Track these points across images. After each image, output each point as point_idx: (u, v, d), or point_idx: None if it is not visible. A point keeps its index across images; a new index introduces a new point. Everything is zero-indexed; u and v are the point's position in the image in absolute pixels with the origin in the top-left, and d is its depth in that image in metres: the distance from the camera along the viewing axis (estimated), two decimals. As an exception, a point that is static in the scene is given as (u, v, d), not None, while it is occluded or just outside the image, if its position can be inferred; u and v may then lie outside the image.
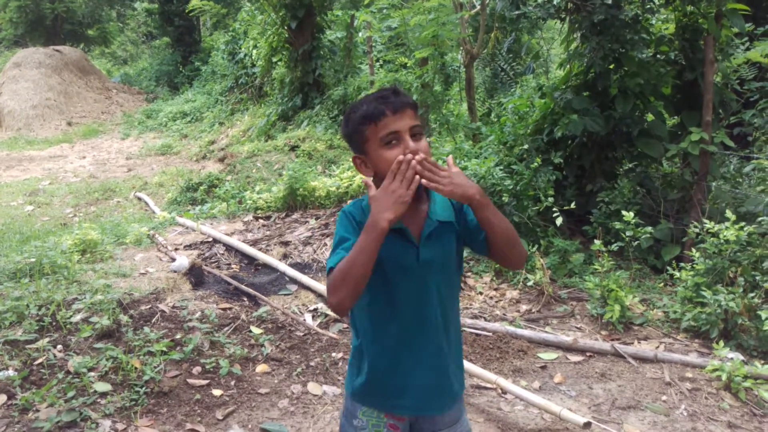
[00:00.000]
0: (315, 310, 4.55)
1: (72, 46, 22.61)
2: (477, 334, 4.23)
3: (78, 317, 3.97)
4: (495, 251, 1.79)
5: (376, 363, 1.83)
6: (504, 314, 4.62)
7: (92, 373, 3.42)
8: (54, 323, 3.88)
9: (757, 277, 4.25)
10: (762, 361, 3.71)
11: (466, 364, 3.64)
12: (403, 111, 1.71)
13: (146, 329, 3.89)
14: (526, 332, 4.25)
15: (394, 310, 1.79)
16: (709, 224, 4.40)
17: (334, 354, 3.96)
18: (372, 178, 1.75)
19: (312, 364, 3.85)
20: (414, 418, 1.88)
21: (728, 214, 4.33)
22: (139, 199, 9.14)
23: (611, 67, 5.85)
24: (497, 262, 1.88)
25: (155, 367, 3.53)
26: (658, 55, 6.03)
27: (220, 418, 3.26)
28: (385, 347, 1.82)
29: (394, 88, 1.76)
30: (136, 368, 3.47)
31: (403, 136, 1.70)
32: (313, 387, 3.59)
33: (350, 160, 7.97)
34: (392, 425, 1.86)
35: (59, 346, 3.65)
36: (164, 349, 3.67)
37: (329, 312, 4.48)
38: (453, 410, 1.90)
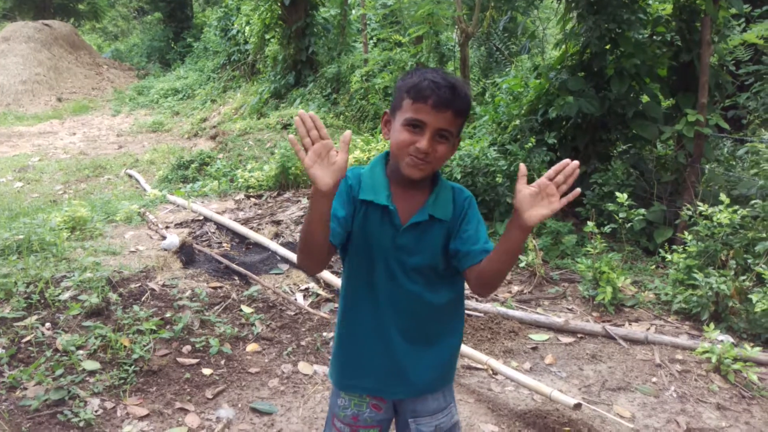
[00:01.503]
0: (306, 289, 4.52)
1: (62, 20, 22.32)
2: (468, 315, 4.22)
3: (67, 295, 3.93)
4: (483, 273, 1.68)
5: (342, 338, 1.84)
6: (495, 295, 4.62)
7: (81, 352, 3.39)
8: (42, 301, 3.84)
9: (749, 260, 4.26)
10: (752, 344, 3.72)
11: (458, 345, 3.64)
12: (443, 110, 1.62)
13: (136, 307, 3.86)
14: (518, 313, 4.25)
15: (367, 289, 1.77)
16: (702, 207, 4.39)
17: (324, 333, 3.95)
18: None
19: (302, 343, 3.84)
20: (397, 400, 1.86)
21: (722, 197, 4.32)
22: (130, 176, 9.06)
23: (607, 47, 5.80)
24: (471, 282, 1.73)
25: (144, 346, 3.50)
26: (655, 36, 5.99)
27: (210, 397, 3.25)
28: (352, 324, 1.81)
29: (453, 83, 1.63)
30: (125, 347, 3.45)
31: (426, 132, 1.63)
32: (303, 366, 3.58)
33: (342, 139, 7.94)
34: (374, 405, 1.85)
35: (47, 324, 3.61)
36: (154, 327, 3.65)
37: (320, 292, 4.47)
38: (435, 398, 1.86)
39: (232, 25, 15.34)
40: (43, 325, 3.60)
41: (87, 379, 3.21)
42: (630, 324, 4.24)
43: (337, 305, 4.29)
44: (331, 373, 1.91)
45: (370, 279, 1.76)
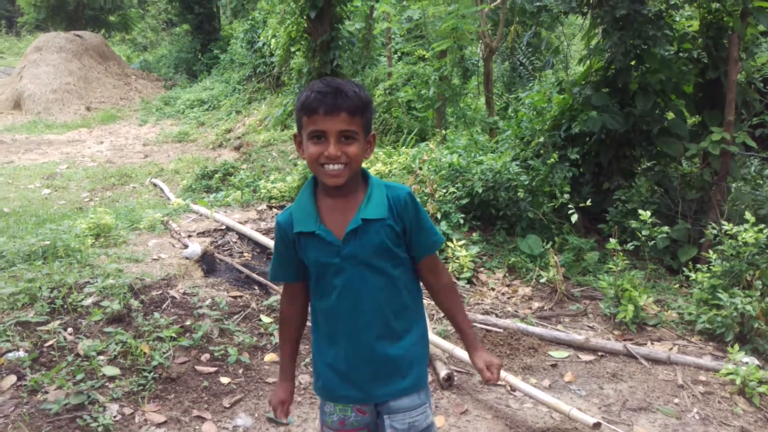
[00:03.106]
0: (325, 300, 4.53)
1: (93, 31, 22.76)
2: (488, 330, 4.19)
3: (89, 301, 3.98)
4: (433, 297, 2.02)
5: (315, 355, 1.96)
6: (516, 311, 4.58)
7: (101, 357, 3.43)
8: (65, 306, 3.90)
9: (776, 281, 4.18)
10: (778, 367, 3.64)
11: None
12: (335, 114, 1.72)
13: (156, 315, 3.89)
14: (538, 330, 4.21)
15: (327, 304, 1.86)
16: (727, 226, 4.33)
17: (343, 345, 3.94)
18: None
19: (321, 354, 3.83)
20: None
21: (747, 215, 4.25)
22: (155, 185, 9.18)
23: (632, 63, 5.76)
24: (420, 278, 1.98)
25: (164, 353, 3.53)
26: (681, 53, 5.94)
27: (227, 405, 3.26)
28: (322, 339, 1.91)
29: (338, 86, 1.75)
30: (145, 353, 3.48)
31: (329, 138, 1.73)
32: (320, 378, 3.58)
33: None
34: (359, 410, 1.92)
35: (70, 329, 3.66)
36: (173, 335, 3.67)
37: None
38: (411, 397, 1.91)
39: (258, 37, 15.51)
40: (65, 330, 3.65)
41: (107, 384, 3.24)
42: (652, 343, 4.18)
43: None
44: (315, 388, 1.99)
45: (322, 295, 1.87)
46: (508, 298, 4.78)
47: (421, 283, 1.98)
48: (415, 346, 1.93)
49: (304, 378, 3.57)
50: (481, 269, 5.11)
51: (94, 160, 11.21)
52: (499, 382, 3.55)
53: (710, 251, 4.53)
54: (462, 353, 3.66)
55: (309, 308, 1.97)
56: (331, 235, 1.81)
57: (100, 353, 3.46)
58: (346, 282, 1.82)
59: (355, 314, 1.84)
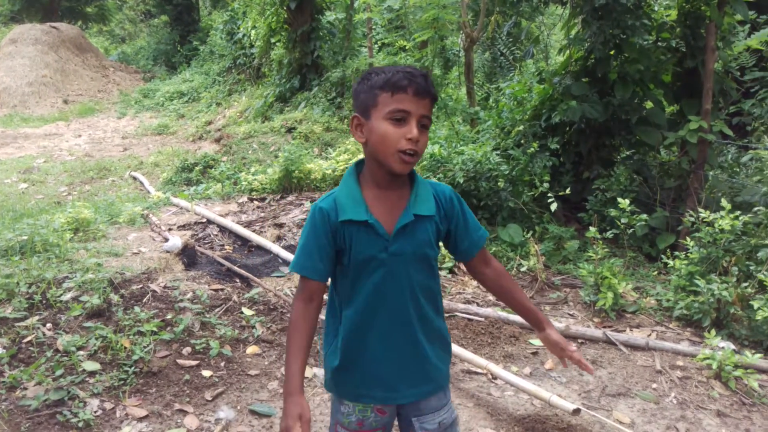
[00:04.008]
0: (307, 292, 4.52)
1: (69, 23, 22.43)
2: (469, 319, 4.22)
3: (68, 296, 3.94)
4: (493, 291, 2.01)
5: (348, 354, 1.80)
6: (497, 300, 4.61)
7: (81, 352, 3.40)
8: (44, 301, 3.86)
9: (751, 267, 4.24)
10: (753, 351, 3.70)
11: (457, 349, 3.64)
12: (423, 97, 1.67)
13: (137, 309, 3.87)
14: (519, 318, 4.23)
15: (365, 300, 1.76)
16: (704, 213, 4.38)
17: (325, 337, 3.94)
18: (363, 145, 1.76)
19: (303, 346, 3.83)
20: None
21: (724, 203, 4.31)
22: (134, 178, 9.10)
23: (611, 53, 5.80)
24: (472, 271, 1.98)
25: (145, 347, 3.51)
26: (659, 42, 5.98)
27: (209, 399, 3.25)
28: (358, 338, 1.79)
29: (425, 72, 1.71)
30: (125, 348, 3.46)
31: (411, 120, 1.66)
32: (303, 369, 3.58)
33: (347, 143, 7.96)
34: (379, 410, 1.84)
35: (48, 325, 3.62)
36: (154, 329, 3.65)
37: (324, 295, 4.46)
38: (437, 396, 1.87)
39: (238, 28, 15.40)
40: (44, 325, 3.61)
41: (87, 379, 3.22)
42: (631, 330, 4.23)
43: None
44: (331, 387, 1.88)
45: (374, 291, 1.76)
46: (490, 288, 4.80)
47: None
48: (446, 346, 1.91)
49: (286, 370, 3.57)
50: (463, 259, 5.12)
51: (72, 154, 11.07)
52: (480, 371, 3.59)
53: (688, 238, 4.59)
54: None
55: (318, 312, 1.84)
56: (382, 227, 1.73)
57: (79, 348, 3.43)
58: (388, 278, 1.74)
59: (394, 312, 1.77)
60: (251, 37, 14.47)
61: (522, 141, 6.05)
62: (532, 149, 5.57)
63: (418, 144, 1.67)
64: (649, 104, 5.97)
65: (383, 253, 1.73)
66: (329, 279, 1.81)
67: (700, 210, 4.49)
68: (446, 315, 4.13)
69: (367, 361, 1.79)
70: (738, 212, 4.30)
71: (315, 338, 3.87)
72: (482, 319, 4.22)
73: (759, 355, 3.66)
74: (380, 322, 1.77)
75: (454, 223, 1.83)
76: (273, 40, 12.88)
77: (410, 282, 1.77)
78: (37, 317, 3.67)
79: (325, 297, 1.88)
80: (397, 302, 1.77)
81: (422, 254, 1.78)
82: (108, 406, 3.08)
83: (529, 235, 5.21)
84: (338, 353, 1.81)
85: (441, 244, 1.88)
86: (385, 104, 1.67)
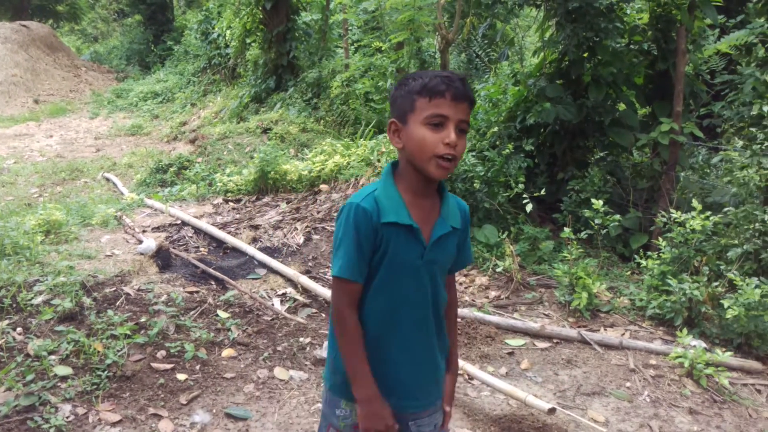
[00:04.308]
0: (283, 294, 4.51)
1: (40, 21, 22.06)
2: (446, 320, 4.23)
3: (39, 299, 3.88)
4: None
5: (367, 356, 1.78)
6: (473, 300, 4.64)
7: (53, 357, 3.34)
8: (14, 305, 3.79)
9: (722, 267, 4.32)
10: (723, 349, 3.77)
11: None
12: (461, 102, 1.67)
13: (110, 312, 3.81)
14: (495, 318, 4.27)
15: (393, 308, 1.76)
16: (676, 214, 4.45)
17: (301, 339, 3.93)
18: (399, 151, 1.75)
19: (279, 348, 3.82)
20: None
21: (695, 203, 4.38)
22: (107, 179, 8.97)
23: (585, 55, 5.86)
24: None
25: (118, 351, 3.46)
26: (632, 45, 6.06)
27: (184, 402, 3.22)
28: (379, 344, 1.77)
29: (463, 76, 1.70)
30: (98, 352, 3.41)
31: (449, 125, 1.66)
32: (279, 372, 3.56)
33: (323, 144, 7.93)
34: None
35: (19, 329, 3.56)
36: (128, 332, 3.61)
37: (298, 297, 4.45)
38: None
39: (213, 28, 15.27)
40: (14, 329, 3.55)
41: (58, 384, 3.17)
42: (605, 329, 4.28)
43: (313, 310, 4.30)
44: (342, 390, 1.82)
45: (400, 297, 1.75)
46: (465, 288, 4.83)
47: None
48: (447, 353, 1.94)
49: (263, 373, 3.55)
50: (439, 260, 5.13)
51: (43, 155, 10.89)
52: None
53: (660, 239, 4.66)
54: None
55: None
56: (421, 234, 1.73)
57: (51, 353, 3.37)
58: (418, 286, 1.75)
59: (418, 321, 1.78)
60: (226, 38, 14.37)
61: (497, 142, 6.09)
62: (507, 150, 5.61)
63: (456, 149, 1.66)
64: (621, 106, 6.05)
65: (419, 260, 1.73)
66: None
67: (671, 210, 4.56)
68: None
69: (388, 368, 1.78)
70: (708, 213, 4.37)
71: (291, 341, 3.86)
72: (458, 319, 4.23)
73: (729, 353, 3.73)
74: (404, 329, 1.77)
75: (461, 239, 1.86)
76: (248, 41, 12.81)
77: (434, 292, 1.79)
78: (6, 321, 3.60)
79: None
80: (422, 311, 1.78)
81: (446, 266, 1.82)
82: (80, 411, 3.03)
83: (504, 235, 5.25)
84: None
85: None
86: (423, 109, 1.66)
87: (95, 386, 3.20)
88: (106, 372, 3.30)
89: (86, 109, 15.76)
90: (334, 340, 1.82)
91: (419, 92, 1.67)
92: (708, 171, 6.37)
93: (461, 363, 3.55)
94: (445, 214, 1.77)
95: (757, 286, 3.81)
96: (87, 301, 3.90)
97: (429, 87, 1.65)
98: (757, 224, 4.35)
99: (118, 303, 4.01)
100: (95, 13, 28.72)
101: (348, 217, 1.70)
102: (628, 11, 6.21)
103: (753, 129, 5.81)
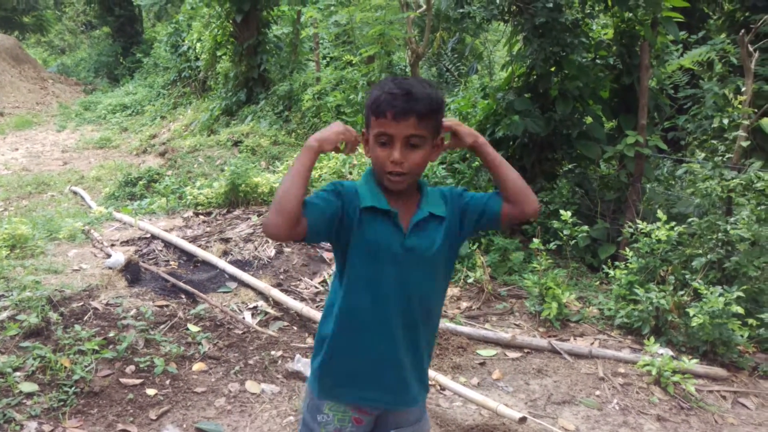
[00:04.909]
0: (255, 308, 4.48)
1: (5, 33, 21.69)
2: (418, 332, 4.24)
3: (4, 315, 3.80)
4: (510, 195, 1.77)
5: (346, 351, 1.80)
6: (444, 311, 4.66)
7: (18, 373, 3.28)
8: (-22, 321, 3.70)
9: (687, 276, 4.41)
10: (690, 357, 3.84)
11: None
12: (405, 118, 1.66)
13: (77, 327, 3.75)
14: (466, 329, 4.30)
15: (374, 297, 1.76)
16: (642, 224, 4.54)
17: (273, 352, 3.91)
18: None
19: (251, 362, 3.79)
20: (379, 411, 1.86)
21: (659, 214, 4.47)
22: (75, 193, 8.83)
23: (552, 69, 5.97)
24: (512, 214, 1.79)
25: (86, 367, 3.40)
26: (597, 60, 6.19)
27: (154, 418, 3.18)
28: (358, 335, 1.78)
29: (409, 88, 1.67)
30: (65, 367, 3.35)
31: (395, 143, 1.68)
32: (251, 385, 3.54)
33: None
34: (357, 419, 1.83)
35: (-17, 345, 3.48)
36: (96, 347, 3.55)
37: (269, 310, 4.43)
38: (419, 409, 1.90)
39: (183, 41, 15.19)
40: (-22, 346, 3.47)
41: (24, 401, 3.11)
42: (575, 339, 4.34)
43: (285, 324, 4.28)
44: (315, 386, 1.84)
45: (378, 288, 1.75)
46: (438, 300, 4.84)
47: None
48: (431, 355, 1.93)
49: (234, 387, 3.52)
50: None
51: (8, 168, 10.68)
52: (429, 382, 3.61)
53: (627, 249, 4.75)
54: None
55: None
56: (399, 219, 1.74)
57: (16, 369, 3.30)
58: (399, 277, 1.74)
59: (399, 312, 1.76)
60: (196, 50, 14.29)
61: (467, 155, 6.15)
62: (477, 163, 5.67)
63: (405, 165, 1.69)
64: (588, 119, 6.16)
65: (398, 247, 1.74)
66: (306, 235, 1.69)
67: (638, 221, 4.65)
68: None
69: (363, 361, 1.79)
70: (673, 223, 4.47)
71: (263, 354, 3.83)
72: (430, 331, 4.25)
73: (695, 360, 3.80)
74: (383, 321, 1.76)
75: (465, 201, 1.82)
76: (219, 53, 12.77)
77: (419, 285, 1.77)
78: (-30, 338, 3.52)
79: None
80: (405, 303, 1.76)
81: (433, 258, 1.78)
82: (47, 428, 2.97)
83: (475, 246, 5.29)
84: (329, 350, 1.81)
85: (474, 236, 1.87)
86: (373, 126, 1.72)
87: (62, 402, 3.15)
88: (73, 388, 3.24)
89: (53, 122, 15.51)
90: (320, 341, 1.84)
91: (370, 108, 1.72)
92: (673, 182, 6.52)
93: (432, 373, 3.57)
94: (423, 205, 1.78)
95: (720, 295, 3.90)
96: (54, 316, 3.83)
97: (374, 105, 1.70)
98: (719, 234, 4.46)
99: (85, 318, 3.95)
100: (62, 25, 28.34)
101: (334, 183, 1.76)
102: (594, 27, 6.35)
103: (714, 141, 5.98)
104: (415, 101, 1.66)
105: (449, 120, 1.80)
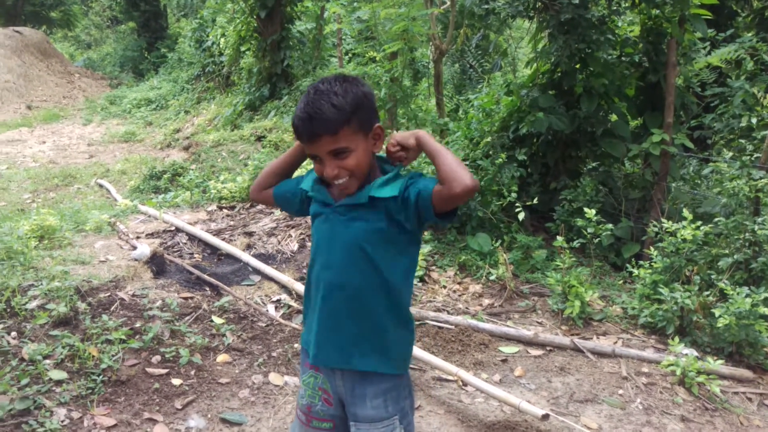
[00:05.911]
0: (278, 300, 4.52)
1: (33, 27, 22.02)
2: (439, 327, 4.25)
3: (34, 304, 3.87)
4: (441, 177, 1.68)
5: (305, 306, 1.97)
6: (467, 308, 4.66)
7: (47, 361, 3.34)
8: (8, 310, 3.78)
9: (713, 276, 4.36)
10: (715, 357, 3.81)
11: (428, 356, 3.67)
12: (316, 140, 1.70)
13: (105, 317, 3.81)
14: (488, 326, 4.30)
15: (312, 260, 1.89)
16: (667, 224, 4.50)
17: (296, 345, 3.94)
18: None
19: (274, 354, 3.83)
20: (342, 399, 1.88)
21: (685, 213, 4.43)
22: (101, 186, 8.95)
23: (577, 66, 5.92)
24: (441, 193, 1.69)
25: (113, 356, 3.46)
26: (623, 57, 6.13)
27: (179, 407, 3.22)
28: (306, 294, 1.95)
29: (311, 111, 1.66)
30: (93, 356, 3.41)
31: (323, 160, 1.74)
32: (274, 377, 3.57)
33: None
34: (326, 399, 1.90)
35: (13, 333, 3.55)
36: (123, 337, 3.61)
37: (292, 303, 4.47)
38: (376, 407, 1.82)
39: (207, 36, 15.29)
40: (9, 334, 3.54)
41: (53, 389, 3.17)
42: (598, 337, 4.31)
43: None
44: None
45: (322, 261, 1.85)
46: (460, 296, 4.86)
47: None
48: (382, 346, 1.82)
49: (257, 378, 3.56)
50: (433, 267, 5.17)
51: (36, 161, 10.85)
52: (451, 378, 3.62)
53: (652, 248, 4.71)
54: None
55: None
56: (329, 197, 1.85)
57: (46, 357, 3.37)
58: (342, 255, 1.79)
59: (339, 272, 1.80)
60: (220, 46, 14.39)
61: (490, 152, 6.13)
62: (501, 160, 5.65)
63: (341, 172, 1.73)
64: (613, 117, 6.11)
65: (327, 210, 1.86)
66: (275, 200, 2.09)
67: (663, 220, 4.61)
68: (417, 323, 4.16)
69: (308, 321, 1.93)
70: (699, 223, 4.42)
71: (286, 347, 3.87)
72: (452, 327, 4.26)
73: (720, 361, 3.77)
74: (316, 283, 1.86)
75: (415, 182, 1.78)
76: (242, 49, 12.83)
77: (361, 248, 1.77)
78: (1, 325, 3.60)
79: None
80: (341, 264, 1.80)
81: (370, 232, 1.77)
82: (75, 415, 3.03)
83: (497, 244, 5.28)
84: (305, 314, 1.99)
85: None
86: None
87: (90, 390, 3.20)
88: (101, 376, 3.30)
89: (79, 116, 15.73)
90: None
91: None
92: (699, 182, 6.44)
93: (455, 369, 3.57)
94: (365, 190, 1.77)
95: (747, 295, 3.85)
96: (81, 305, 3.89)
97: (293, 129, 1.76)
98: (747, 234, 4.41)
99: (112, 308, 4.01)
100: (89, 20, 28.69)
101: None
102: (620, 24, 6.29)
103: (742, 140, 5.90)
104: (320, 123, 1.66)
105: (385, 144, 1.87)
